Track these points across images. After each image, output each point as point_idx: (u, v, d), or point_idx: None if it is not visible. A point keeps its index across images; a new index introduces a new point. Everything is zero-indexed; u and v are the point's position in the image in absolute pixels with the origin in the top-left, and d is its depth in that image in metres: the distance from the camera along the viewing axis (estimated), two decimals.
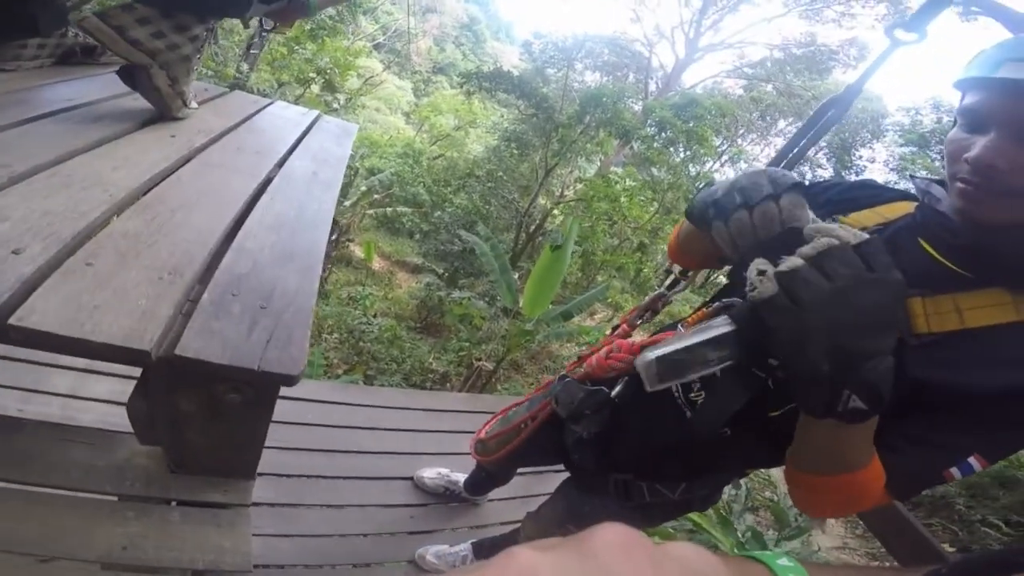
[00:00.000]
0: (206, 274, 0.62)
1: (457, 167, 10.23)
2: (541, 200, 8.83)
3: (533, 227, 8.42)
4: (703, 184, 0.67)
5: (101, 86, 1.11)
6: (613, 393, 0.95)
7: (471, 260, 6.77)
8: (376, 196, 8.75)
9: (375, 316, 6.31)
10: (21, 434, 0.74)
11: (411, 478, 1.93)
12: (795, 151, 0.96)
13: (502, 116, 12.05)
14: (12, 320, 0.46)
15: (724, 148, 11.83)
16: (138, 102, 1.04)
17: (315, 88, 8.98)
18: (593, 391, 0.96)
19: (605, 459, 0.99)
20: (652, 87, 15.90)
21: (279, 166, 1.06)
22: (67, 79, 1.12)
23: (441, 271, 7.41)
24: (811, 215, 0.57)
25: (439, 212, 8.23)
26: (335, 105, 9.84)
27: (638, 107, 11.36)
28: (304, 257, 0.72)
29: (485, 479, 1.79)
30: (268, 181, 0.96)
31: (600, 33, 15.62)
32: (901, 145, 10.12)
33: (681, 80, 15.92)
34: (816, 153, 11.31)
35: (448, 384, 5.50)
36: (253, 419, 0.59)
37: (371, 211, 8.67)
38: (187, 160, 0.90)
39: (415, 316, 7.05)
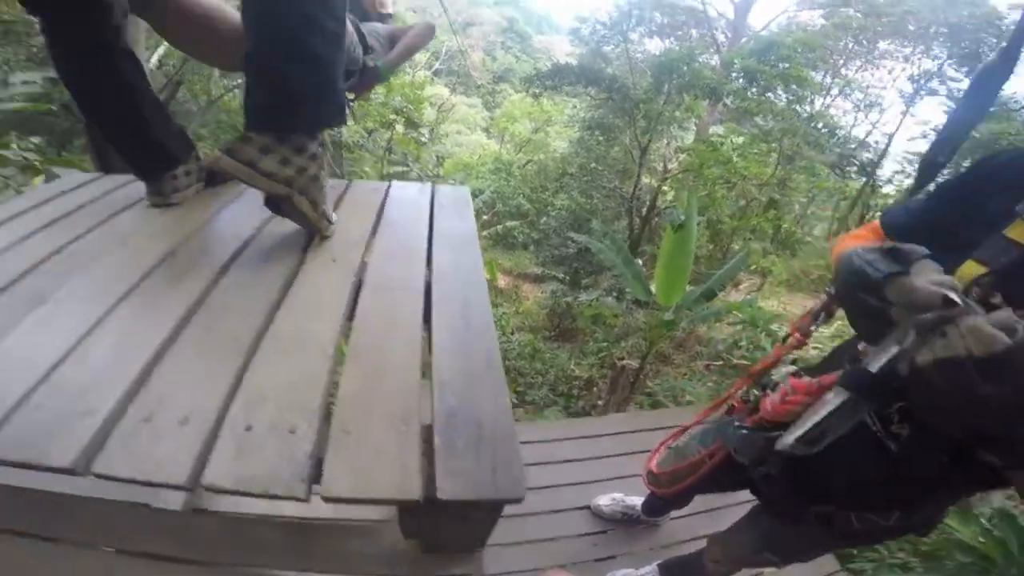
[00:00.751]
0: (427, 414, 0.74)
1: (548, 168, 10.32)
2: (645, 179, 8.50)
3: (645, 209, 8.15)
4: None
5: (252, 208, 1.23)
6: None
7: (589, 258, 6.78)
8: (484, 217, 9.19)
9: (512, 333, 6.59)
10: (308, 532, 0.95)
11: (588, 507, 1.97)
12: (959, 126, 0.87)
13: (575, 107, 11.87)
14: (323, 494, 0.63)
15: (829, 82, 10.48)
16: (286, 223, 1.13)
17: (399, 128, 9.49)
18: (775, 438, 0.90)
19: (800, 493, 0.94)
20: (720, 37, 14.65)
21: (427, 265, 1.13)
22: (224, 205, 1.30)
23: (562, 276, 7.52)
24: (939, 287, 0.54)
25: (544, 218, 8.35)
26: (422, 140, 10.41)
27: (715, 61, 10.50)
28: (488, 372, 0.81)
29: (662, 504, 1.77)
30: (428, 292, 1.03)
31: None
32: None
33: (748, 24, 14.40)
34: (941, 66, 9.56)
35: (594, 388, 5.52)
36: (488, 522, 0.71)
37: (484, 232, 9.10)
38: (359, 288, 1.00)
39: (548, 325, 7.25)
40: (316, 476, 0.65)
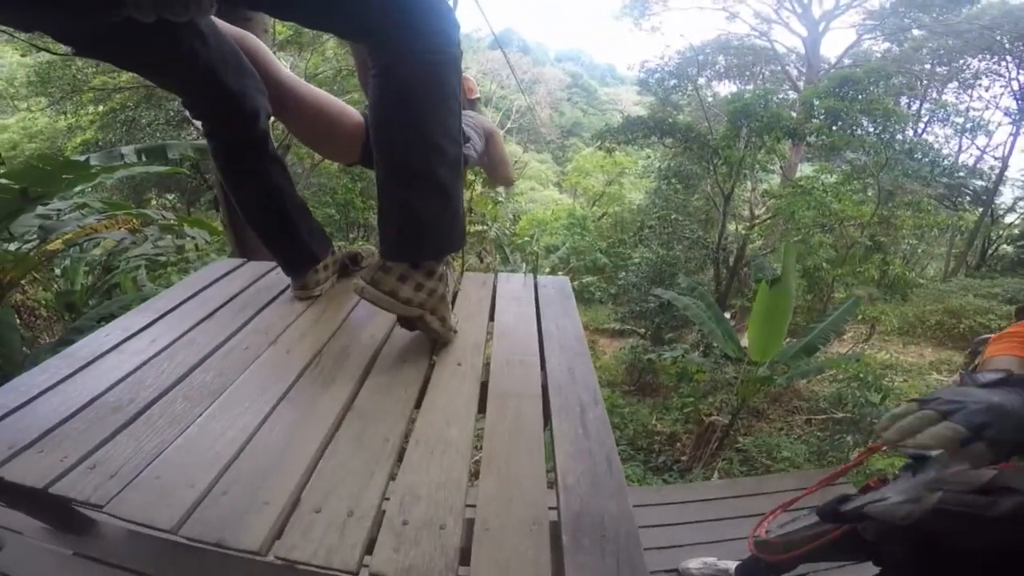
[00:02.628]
0: (554, 515, 0.79)
1: (624, 221, 10.29)
2: (730, 227, 8.22)
3: (732, 259, 7.83)
4: None
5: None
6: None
7: (672, 312, 6.57)
8: (560, 274, 9.32)
9: None
10: None
11: (675, 570, 1.95)
12: None
13: (649, 156, 11.61)
14: None
15: (918, 108, 9.89)
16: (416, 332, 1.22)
17: (478, 187, 9.96)
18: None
19: (937, 568, 0.90)
20: (794, 72, 14.39)
21: (543, 371, 1.18)
22: (357, 302, 1.40)
23: (643, 331, 7.36)
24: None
25: (623, 273, 8.24)
26: (499, 199, 10.82)
27: (792, 95, 10.25)
28: (609, 475, 0.86)
29: (764, 570, 1.63)
30: (547, 401, 1.07)
31: (702, 43, 14.64)
32: None
33: (822, 56, 14.10)
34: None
35: (678, 444, 5.30)
36: None
37: None
38: (483, 394, 1.08)
39: (626, 380, 7.06)
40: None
